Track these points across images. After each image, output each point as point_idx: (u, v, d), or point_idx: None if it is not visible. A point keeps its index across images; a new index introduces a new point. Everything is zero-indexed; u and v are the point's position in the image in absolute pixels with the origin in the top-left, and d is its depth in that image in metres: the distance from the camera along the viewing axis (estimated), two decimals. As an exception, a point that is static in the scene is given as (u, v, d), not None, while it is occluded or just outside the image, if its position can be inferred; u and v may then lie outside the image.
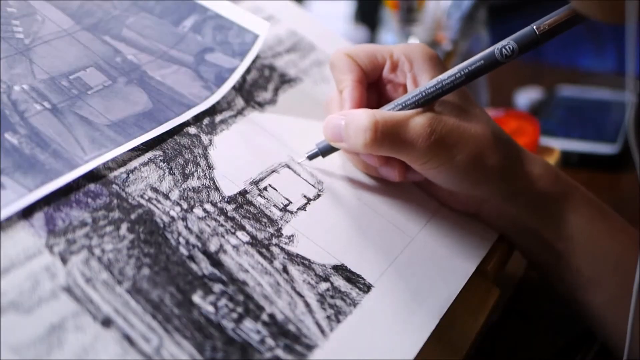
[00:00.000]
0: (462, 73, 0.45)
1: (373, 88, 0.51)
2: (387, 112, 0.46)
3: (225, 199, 0.45)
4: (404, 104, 0.46)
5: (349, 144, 0.46)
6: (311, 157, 0.49)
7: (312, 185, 0.48)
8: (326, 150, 0.49)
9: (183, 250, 0.41)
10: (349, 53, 0.50)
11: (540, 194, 0.49)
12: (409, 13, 0.85)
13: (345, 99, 0.48)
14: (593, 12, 0.36)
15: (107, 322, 0.36)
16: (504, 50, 0.44)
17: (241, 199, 0.45)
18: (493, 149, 0.47)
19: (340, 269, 0.44)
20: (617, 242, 0.49)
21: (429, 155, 0.45)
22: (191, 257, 0.41)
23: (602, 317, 0.49)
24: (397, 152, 0.46)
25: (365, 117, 0.45)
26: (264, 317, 0.39)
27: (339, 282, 0.43)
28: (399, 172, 0.48)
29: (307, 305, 0.41)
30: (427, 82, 0.47)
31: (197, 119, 0.49)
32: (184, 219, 0.42)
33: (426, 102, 0.46)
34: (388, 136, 0.45)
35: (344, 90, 0.49)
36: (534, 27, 0.43)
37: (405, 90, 0.49)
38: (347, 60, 0.49)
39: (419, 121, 0.45)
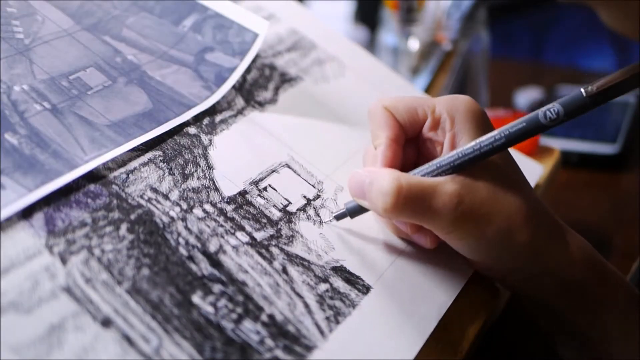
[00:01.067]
0: (503, 135, 0.42)
1: (412, 144, 0.47)
2: (413, 177, 0.43)
3: (225, 200, 0.45)
4: (436, 167, 0.43)
5: (370, 204, 0.44)
6: (338, 218, 0.46)
7: (312, 185, 0.48)
8: (355, 211, 0.46)
9: (183, 250, 0.41)
10: (388, 106, 0.46)
11: (572, 278, 0.44)
12: (409, 13, 0.85)
13: (378, 157, 0.45)
14: (629, 31, 0.35)
15: (106, 323, 0.36)
16: (548, 113, 0.41)
17: (241, 200, 0.45)
18: (525, 225, 0.43)
19: (340, 270, 0.44)
20: None
21: (454, 227, 0.42)
22: (191, 258, 0.41)
23: None
24: (420, 220, 0.43)
25: (388, 180, 0.42)
26: (264, 317, 0.39)
27: (338, 283, 0.43)
28: (430, 240, 0.45)
29: (306, 306, 0.41)
30: (466, 143, 0.43)
31: (197, 119, 0.49)
32: (184, 219, 0.42)
33: (461, 167, 0.43)
34: (411, 203, 0.42)
35: (378, 148, 0.45)
36: (582, 90, 0.41)
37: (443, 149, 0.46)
38: (385, 115, 0.46)
39: (447, 190, 0.42)
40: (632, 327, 0.44)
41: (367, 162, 0.47)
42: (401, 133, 0.46)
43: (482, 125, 0.45)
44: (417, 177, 0.43)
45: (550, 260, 0.44)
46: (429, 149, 0.47)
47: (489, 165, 0.44)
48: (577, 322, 0.45)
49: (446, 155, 0.44)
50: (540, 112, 0.42)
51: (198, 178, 0.45)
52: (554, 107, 0.41)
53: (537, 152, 0.69)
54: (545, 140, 0.76)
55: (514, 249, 0.43)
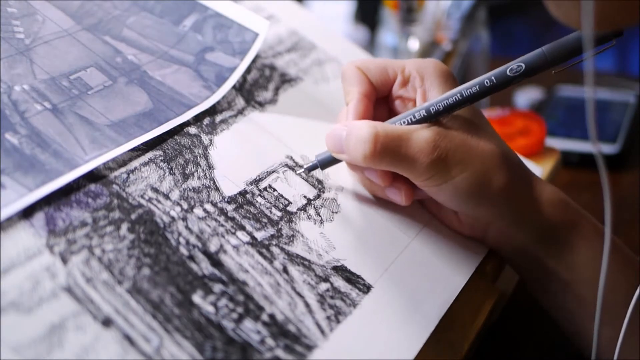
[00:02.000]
0: (471, 91, 0.44)
1: (383, 103, 0.50)
2: (389, 125, 0.45)
3: (226, 199, 0.45)
4: (410, 118, 0.46)
5: (349, 155, 0.45)
6: (309, 170, 0.48)
7: (312, 185, 0.48)
8: (325, 163, 0.48)
9: (183, 250, 0.41)
10: (360, 66, 0.49)
11: (548, 222, 0.47)
12: (409, 13, 0.85)
13: (350, 111, 0.47)
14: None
15: (107, 322, 0.36)
16: (514, 67, 0.44)
17: (241, 199, 0.45)
18: (500, 170, 0.45)
19: (340, 270, 0.44)
20: (625, 276, 0.47)
21: (431, 172, 0.44)
22: (191, 257, 0.41)
23: (608, 351, 0.46)
24: (398, 166, 0.45)
25: (366, 128, 0.44)
26: (264, 317, 0.39)
27: (339, 282, 0.43)
28: (405, 194, 0.47)
29: (307, 305, 0.41)
30: (436, 97, 0.46)
31: (197, 119, 0.49)
32: (184, 219, 0.42)
33: (433, 117, 0.45)
34: (389, 149, 0.44)
35: (350, 102, 0.48)
36: (543, 49, 0.43)
37: (414, 106, 0.48)
38: (357, 72, 0.48)
39: (422, 136, 0.44)
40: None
41: (341, 119, 0.49)
42: (372, 89, 0.49)
43: (450, 82, 0.48)
44: (392, 125, 0.45)
45: (527, 205, 0.47)
46: (400, 107, 0.50)
47: (460, 117, 0.46)
48: (554, 266, 0.47)
49: (417, 108, 0.46)
50: (505, 67, 0.44)
51: (198, 178, 0.45)
52: (517, 63, 0.44)
53: (541, 152, 0.69)
54: (546, 141, 0.76)
55: (490, 193, 0.45)
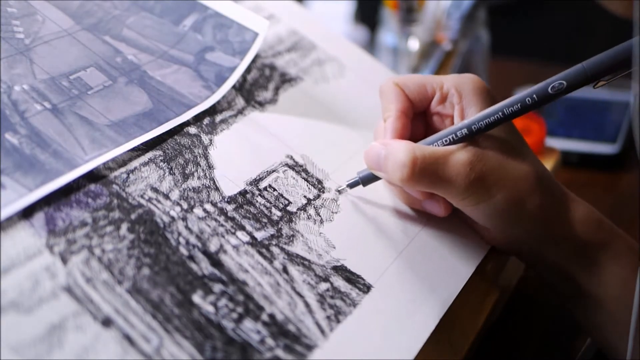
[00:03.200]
0: (512, 109, 0.45)
1: (420, 119, 0.50)
2: (427, 148, 0.45)
3: (226, 199, 0.45)
4: (452, 137, 0.46)
5: (387, 175, 0.46)
6: (352, 186, 0.48)
7: (312, 185, 0.48)
8: (367, 179, 0.48)
9: (183, 250, 0.41)
10: (398, 82, 0.49)
11: (581, 240, 0.47)
12: (409, 13, 0.85)
13: (387, 129, 0.48)
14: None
15: (107, 322, 0.36)
16: (556, 85, 0.44)
17: (241, 199, 0.45)
18: (535, 191, 0.46)
19: (340, 270, 0.44)
20: None
21: (467, 194, 0.45)
22: (191, 257, 0.41)
23: None
24: (435, 188, 0.45)
25: (404, 152, 0.44)
26: (264, 317, 0.39)
27: (339, 282, 0.43)
28: (444, 206, 0.47)
29: (307, 305, 0.41)
30: (474, 115, 0.46)
31: (197, 119, 0.49)
32: (184, 219, 0.42)
33: (471, 136, 0.45)
34: (426, 173, 0.44)
35: (387, 119, 0.48)
36: (583, 65, 0.43)
37: (452, 123, 0.49)
38: (395, 89, 0.49)
39: (460, 158, 0.44)
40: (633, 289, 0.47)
41: (378, 135, 0.49)
42: (410, 106, 0.49)
43: (489, 99, 0.48)
44: (429, 147, 0.46)
45: (562, 224, 0.47)
46: (437, 123, 0.50)
47: (495, 136, 0.46)
48: (587, 284, 0.47)
49: (455, 127, 0.46)
50: (546, 85, 0.44)
51: (198, 178, 0.45)
52: (559, 81, 0.44)
53: (541, 152, 0.69)
54: (546, 141, 0.76)
55: (525, 214, 0.46)
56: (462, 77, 0.49)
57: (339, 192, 0.48)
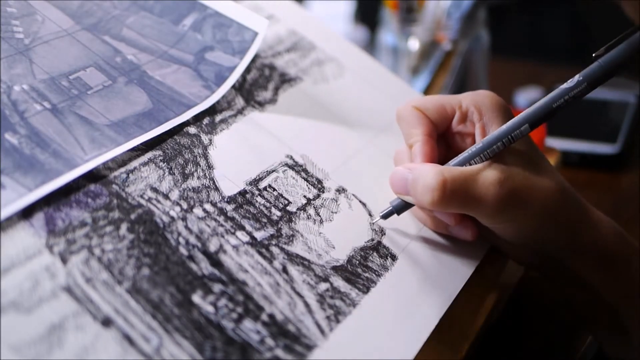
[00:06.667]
0: (537, 116, 0.45)
1: (441, 139, 0.50)
2: (454, 169, 0.45)
3: (225, 199, 0.45)
4: (472, 156, 0.46)
5: (416, 200, 0.45)
6: (386, 216, 0.47)
7: (312, 185, 0.48)
8: (401, 208, 0.47)
9: (183, 250, 0.41)
10: (417, 106, 0.48)
11: (607, 252, 0.47)
12: (409, 13, 0.85)
13: (416, 154, 0.47)
14: None
15: (107, 322, 0.36)
16: (575, 87, 0.44)
17: (241, 199, 0.45)
18: (562, 204, 0.46)
19: (340, 270, 0.44)
20: None
21: (499, 211, 0.44)
22: (191, 257, 0.41)
23: None
24: (466, 209, 0.45)
25: (432, 175, 0.44)
26: (264, 317, 0.39)
27: (339, 282, 0.43)
28: (472, 231, 0.47)
29: (306, 305, 0.41)
30: (496, 130, 0.46)
31: (197, 119, 0.49)
32: (184, 219, 0.42)
33: (495, 153, 0.45)
34: (457, 195, 0.44)
35: (414, 144, 0.48)
36: (600, 62, 0.43)
37: (473, 141, 0.48)
38: (416, 114, 0.48)
39: (488, 177, 0.44)
40: None
41: (403, 160, 0.49)
42: (434, 128, 0.49)
43: (507, 114, 0.48)
44: (457, 168, 0.45)
45: (586, 237, 0.47)
46: (458, 142, 0.50)
47: (518, 152, 0.46)
48: (610, 295, 0.47)
49: (478, 144, 0.46)
50: (568, 89, 0.44)
51: (198, 178, 0.45)
52: (577, 80, 0.44)
53: (542, 152, 0.69)
54: (546, 141, 0.76)
55: (555, 228, 0.46)
56: (479, 94, 0.49)
57: (372, 224, 0.47)
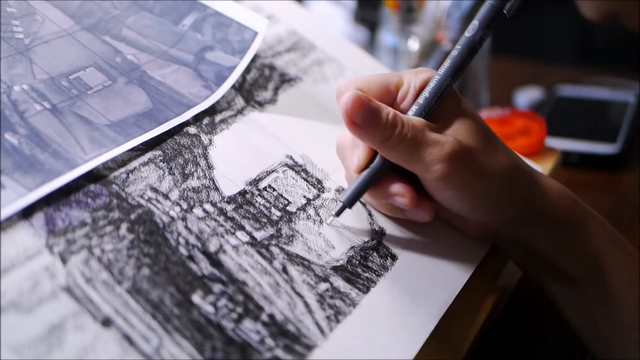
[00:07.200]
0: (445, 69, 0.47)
1: None
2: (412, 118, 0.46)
3: (225, 199, 0.45)
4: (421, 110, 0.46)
5: (368, 136, 0.45)
6: (338, 213, 0.46)
7: (312, 185, 0.48)
8: (352, 200, 0.46)
9: (183, 250, 0.41)
10: (360, 87, 0.48)
11: (557, 220, 0.48)
12: (409, 13, 0.85)
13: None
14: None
15: (107, 322, 0.36)
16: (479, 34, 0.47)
17: (241, 199, 0.45)
18: (515, 177, 0.47)
19: (340, 270, 0.44)
20: (633, 269, 0.48)
21: (450, 172, 0.44)
22: (191, 257, 0.41)
23: (624, 345, 0.47)
24: (415, 154, 0.44)
25: (393, 112, 0.45)
26: (264, 317, 0.39)
27: (339, 282, 0.43)
28: (428, 212, 0.47)
29: (306, 305, 0.41)
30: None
31: (197, 119, 0.49)
32: (184, 219, 0.42)
33: (429, 105, 0.46)
34: (407, 134, 0.44)
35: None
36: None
37: None
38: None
39: (445, 136, 0.45)
40: (614, 262, 0.48)
41: (346, 148, 0.48)
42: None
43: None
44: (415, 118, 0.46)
45: (537, 206, 0.48)
46: None
47: (475, 130, 0.47)
48: (565, 263, 0.48)
49: (413, 107, 0.47)
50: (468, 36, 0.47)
51: (198, 178, 0.45)
52: (474, 28, 0.47)
53: (541, 152, 0.69)
54: (546, 141, 0.76)
55: (512, 198, 0.47)
56: (418, 70, 0.49)
57: (326, 224, 0.46)
